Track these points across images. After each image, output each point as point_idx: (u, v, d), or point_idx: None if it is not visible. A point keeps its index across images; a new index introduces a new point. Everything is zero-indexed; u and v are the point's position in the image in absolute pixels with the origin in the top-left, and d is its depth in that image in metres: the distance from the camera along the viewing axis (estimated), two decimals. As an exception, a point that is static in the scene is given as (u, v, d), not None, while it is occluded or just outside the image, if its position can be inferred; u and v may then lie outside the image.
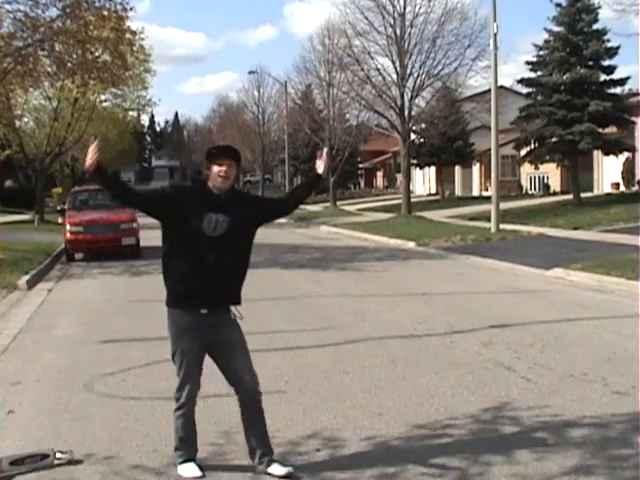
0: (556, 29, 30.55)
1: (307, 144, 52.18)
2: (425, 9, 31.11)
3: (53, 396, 6.22)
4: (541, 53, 31.12)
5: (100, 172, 4.26)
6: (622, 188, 33.51)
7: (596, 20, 30.20)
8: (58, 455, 4.64)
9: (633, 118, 30.04)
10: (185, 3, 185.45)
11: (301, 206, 5.25)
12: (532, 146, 31.40)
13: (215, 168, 4.31)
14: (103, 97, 35.65)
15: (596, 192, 33.98)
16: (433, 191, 51.41)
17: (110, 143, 41.30)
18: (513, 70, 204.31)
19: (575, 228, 21.27)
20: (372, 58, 32.21)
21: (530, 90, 31.52)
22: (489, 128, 23.72)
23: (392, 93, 31.82)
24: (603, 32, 30.08)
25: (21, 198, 42.88)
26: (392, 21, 31.20)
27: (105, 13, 17.93)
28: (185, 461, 4.42)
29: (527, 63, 31.46)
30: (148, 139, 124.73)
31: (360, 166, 68.49)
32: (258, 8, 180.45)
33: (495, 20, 21.69)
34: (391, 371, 6.72)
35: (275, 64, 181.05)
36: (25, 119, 36.37)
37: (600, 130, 28.70)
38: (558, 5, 30.48)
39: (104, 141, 29.61)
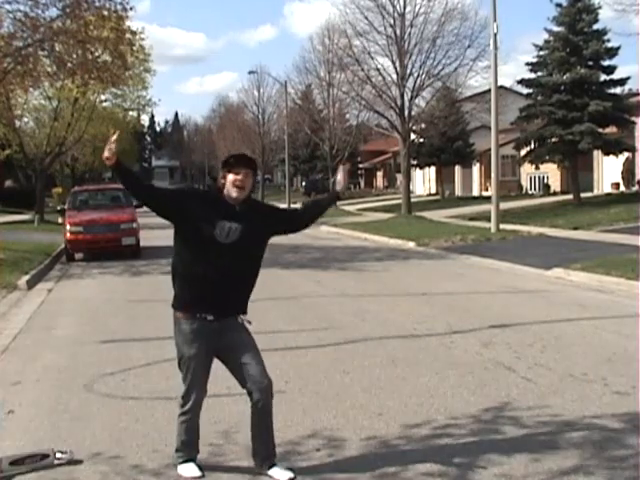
0: (556, 29, 30.59)
1: (307, 144, 52.27)
2: (425, 9, 31.23)
3: (53, 396, 6.21)
4: (541, 53, 31.15)
5: (118, 166, 4.21)
6: (622, 188, 33.52)
7: (596, 20, 30.24)
8: (58, 455, 4.64)
9: (633, 118, 30.06)
10: (185, 3, 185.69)
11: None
12: (532, 146, 31.42)
13: (231, 177, 4.25)
14: (103, 97, 35.76)
15: (596, 192, 33.98)
16: (433, 191, 51.42)
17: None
18: (513, 70, 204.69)
19: (575, 228, 21.28)
20: (372, 58, 32.31)
21: (530, 90, 31.54)
22: (489, 128, 23.72)
23: (392, 93, 31.85)
24: (603, 32, 30.12)
25: (21, 198, 42.82)
26: (392, 21, 31.27)
27: (105, 13, 17.93)
28: (185, 461, 4.41)
29: (527, 64, 31.55)
30: (148, 139, 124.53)
31: (360, 166, 68.58)
32: (258, 8, 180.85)
33: (495, 20, 21.72)
34: (391, 371, 6.72)
35: (275, 64, 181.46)
36: (25, 119, 36.44)
37: (600, 130, 28.71)
38: (558, 5, 30.54)
39: (104, 141, 29.54)
